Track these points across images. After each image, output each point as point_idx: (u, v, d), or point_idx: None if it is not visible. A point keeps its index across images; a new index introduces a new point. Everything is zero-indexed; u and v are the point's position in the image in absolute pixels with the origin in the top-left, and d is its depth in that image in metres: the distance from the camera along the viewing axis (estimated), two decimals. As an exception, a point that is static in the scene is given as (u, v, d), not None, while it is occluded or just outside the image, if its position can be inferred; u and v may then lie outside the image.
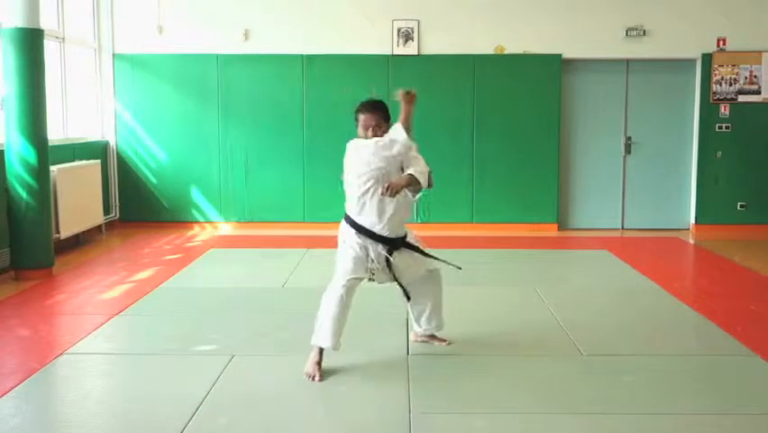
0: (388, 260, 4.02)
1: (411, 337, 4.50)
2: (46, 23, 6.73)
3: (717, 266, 7.05)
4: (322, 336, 3.94)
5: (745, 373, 4.06)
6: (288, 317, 5.00)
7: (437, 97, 8.74)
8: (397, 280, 4.11)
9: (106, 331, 4.77)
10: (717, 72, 8.70)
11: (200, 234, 8.67)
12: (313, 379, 3.87)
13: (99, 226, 8.34)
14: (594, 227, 9.00)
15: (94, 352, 4.37)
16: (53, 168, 6.82)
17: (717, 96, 8.73)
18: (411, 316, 4.42)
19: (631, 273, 6.52)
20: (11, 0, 6.02)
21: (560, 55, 8.73)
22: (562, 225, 9.02)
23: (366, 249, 4.00)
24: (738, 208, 8.85)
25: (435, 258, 4.20)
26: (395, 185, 3.86)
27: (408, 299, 4.20)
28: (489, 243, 8.02)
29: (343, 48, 8.72)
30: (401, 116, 4.01)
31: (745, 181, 8.81)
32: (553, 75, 8.75)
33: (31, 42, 6.08)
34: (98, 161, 8.32)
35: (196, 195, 8.95)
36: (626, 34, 8.67)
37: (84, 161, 7.94)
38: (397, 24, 8.69)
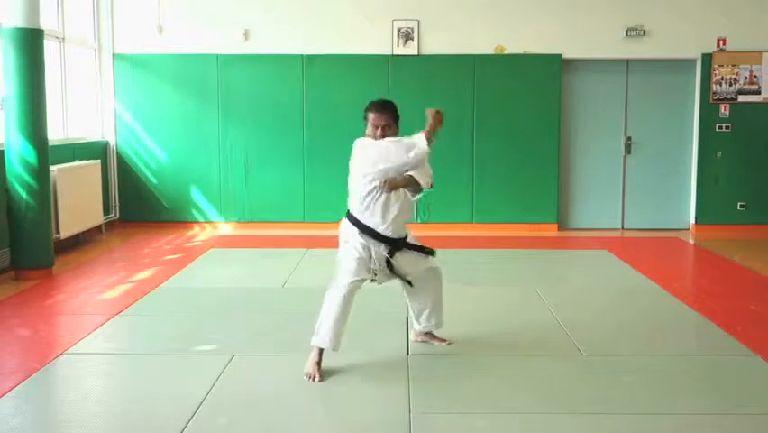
0: (388, 261, 4.02)
1: (411, 337, 4.51)
2: (46, 23, 6.73)
3: (717, 266, 7.05)
4: (322, 336, 3.94)
5: (745, 373, 4.06)
6: (288, 317, 5.00)
7: (437, 97, 8.71)
8: (397, 276, 4.10)
9: (106, 331, 4.77)
10: (717, 72, 8.70)
11: (200, 234, 8.67)
12: (313, 379, 3.87)
13: (99, 226, 8.34)
14: (594, 227, 9.00)
15: (94, 352, 4.37)
16: (53, 168, 6.82)
17: (717, 96, 8.73)
18: (411, 313, 4.42)
19: (631, 273, 6.52)
20: (11, 0, 6.02)
21: (560, 55, 8.73)
22: (562, 225, 9.02)
23: (369, 250, 4.00)
24: (738, 208, 8.85)
25: (422, 247, 4.18)
26: (392, 182, 3.90)
27: (411, 285, 4.18)
28: (489, 243, 8.02)
29: (343, 48, 8.72)
30: (426, 128, 3.96)
31: (745, 181, 8.81)
32: (553, 75, 8.75)
33: (31, 42, 6.07)
34: (98, 161, 8.32)
35: (196, 195, 8.95)
36: (626, 34, 8.67)
37: (84, 161, 7.94)
38: (397, 24, 8.69)
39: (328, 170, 8.59)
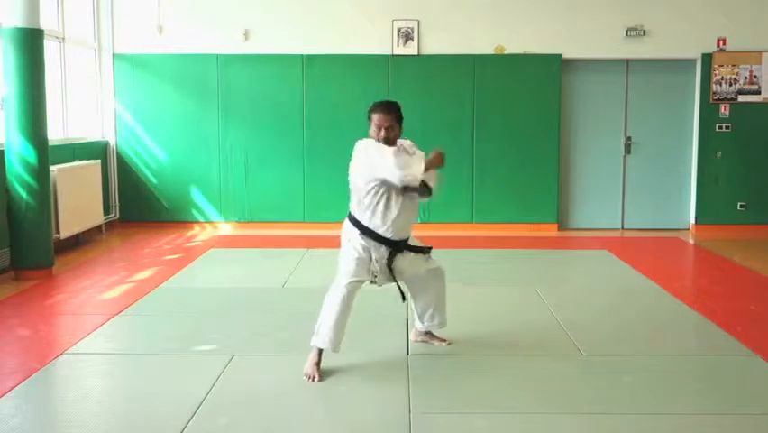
0: (389, 263, 4.03)
1: (411, 337, 4.51)
2: (46, 23, 6.73)
3: (717, 266, 7.05)
4: (322, 336, 3.94)
5: (745, 373, 4.06)
6: (288, 317, 5.00)
7: (437, 97, 8.74)
8: (395, 282, 4.11)
9: (106, 331, 4.77)
10: (717, 72, 8.70)
11: (200, 234, 8.67)
12: (312, 380, 3.87)
13: (99, 226, 8.34)
14: (594, 227, 9.00)
15: (94, 352, 4.37)
16: (53, 168, 6.82)
17: (717, 96, 8.73)
18: (414, 313, 4.41)
19: (631, 273, 6.52)
20: (11, 0, 6.02)
21: (560, 55, 8.73)
22: (562, 225, 9.02)
23: (369, 251, 4.01)
24: (738, 208, 8.85)
25: (421, 248, 4.18)
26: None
27: (404, 300, 4.18)
28: (489, 243, 8.02)
29: (343, 48, 8.72)
30: (428, 158, 3.97)
31: (745, 181, 8.81)
32: (553, 75, 8.75)
33: (31, 42, 6.07)
34: (98, 161, 8.32)
35: (196, 195, 8.95)
36: (626, 34, 8.67)
37: (84, 161, 7.94)
38: (397, 24, 8.69)
39: (328, 170, 8.59)
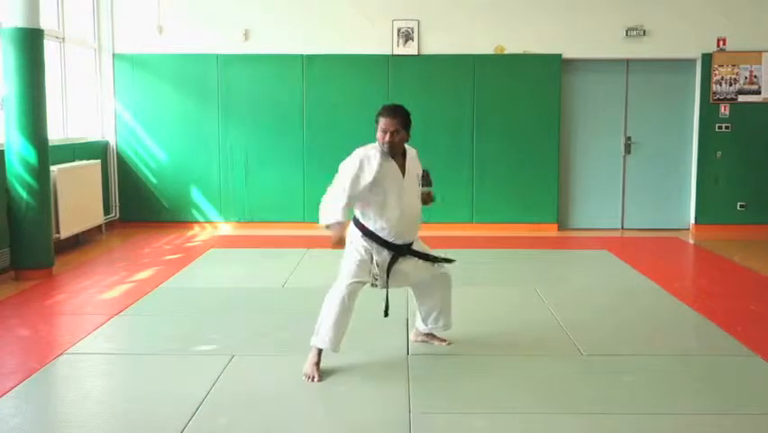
0: (389, 267, 4.03)
1: (411, 337, 4.51)
2: (46, 23, 6.73)
3: (717, 266, 7.05)
4: (321, 336, 3.95)
5: (745, 373, 4.06)
6: (288, 317, 5.00)
7: (437, 97, 8.74)
8: (387, 289, 4.08)
9: (106, 331, 4.77)
10: (717, 72, 8.70)
11: (200, 234, 8.67)
12: (312, 380, 3.87)
13: (99, 226, 8.34)
14: (594, 227, 9.00)
15: (94, 352, 4.37)
16: (53, 168, 6.82)
17: (717, 96, 8.73)
18: (418, 314, 4.41)
19: (631, 273, 6.52)
20: (11, 0, 6.02)
21: (560, 55, 8.73)
22: (562, 225, 9.02)
23: (371, 253, 4.01)
24: (738, 208, 8.85)
25: (435, 258, 4.19)
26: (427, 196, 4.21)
27: (386, 315, 4.13)
28: (489, 243, 8.02)
29: (343, 48, 8.72)
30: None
31: (745, 181, 8.81)
32: (553, 75, 8.75)
33: (31, 42, 6.07)
34: (98, 161, 8.32)
35: (196, 195, 8.95)
36: (626, 34, 8.67)
37: (84, 161, 7.94)
38: (397, 24, 8.69)
39: (328, 170, 8.45)
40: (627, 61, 8.87)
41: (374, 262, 4.01)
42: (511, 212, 8.89)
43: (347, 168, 3.97)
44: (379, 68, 8.73)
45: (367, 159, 3.97)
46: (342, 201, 3.90)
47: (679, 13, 8.67)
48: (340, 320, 3.92)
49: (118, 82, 8.83)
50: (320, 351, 3.96)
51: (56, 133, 7.72)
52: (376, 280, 4.04)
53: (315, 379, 3.87)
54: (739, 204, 8.84)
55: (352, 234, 4.09)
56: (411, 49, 8.71)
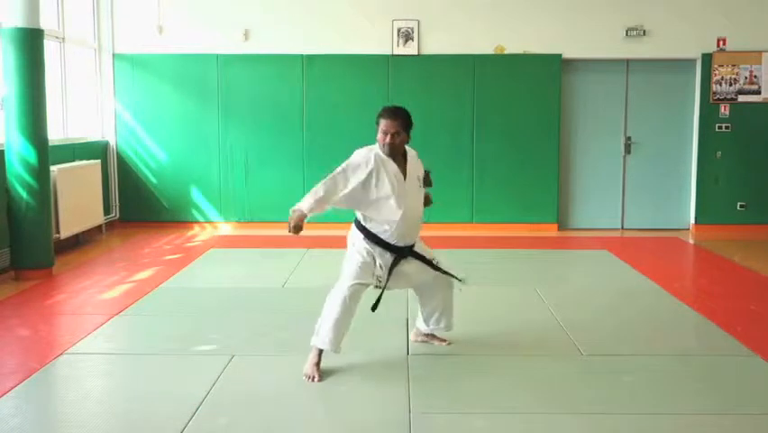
0: (391, 269, 4.03)
1: (411, 337, 4.51)
2: (46, 23, 6.73)
3: (717, 266, 7.05)
4: (322, 337, 3.94)
5: (745, 373, 4.06)
6: (288, 317, 5.00)
7: (437, 97, 8.74)
8: (382, 289, 4.08)
9: (106, 331, 4.77)
10: (717, 72, 8.70)
11: (200, 234, 8.67)
12: (312, 380, 3.87)
13: (99, 226, 8.34)
14: (594, 227, 9.00)
15: (94, 352, 4.37)
16: (53, 168, 6.82)
17: (717, 96, 8.73)
18: (420, 315, 4.41)
19: (631, 273, 6.52)
20: (11, 0, 6.02)
21: (560, 55, 8.73)
22: (562, 225, 9.02)
23: (373, 255, 4.01)
24: (738, 208, 8.85)
25: (442, 270, 4.19)
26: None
27: (373, 310, 4.11)
28: (489, 243, 8.02)
29: (343, 48, 8.72)
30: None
31: (745, 181, 8.81)
32: (553, 75, 8.75)
33: (31, 42, 6.07)
34: (98, 161, 8.32)
35: (196, 195, 8.95)
36: (626, 34, 8.67)
37: (84, 161, 7.94)
38: (397, 24, 8.69)
39: (328, 169, 8.48)
40: (627, 61, 8.87)
41: (377, 264, 4.01)
42: (511, 212, 8.89)
43: (339, 167, 4.01)
44: (379, 68, 8.73)
45: (359, 163, 3.97)
46: (318, 194, 3.91)
47: (679, 13, 8.67)
48: (341, 321, 3.92)
49: (118, 82, 8.83)
50: (320, 351, 3.96)
51: (56, 133, 7.72)
52: (380, 281, 4.03)
53: (315, 379, 3.87)
54: (739, 204, 8.85)
55: (354, 236, 4.09)
56: (411, 49, 8.71)
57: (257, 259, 7.14)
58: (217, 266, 6.82)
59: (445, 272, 4.20)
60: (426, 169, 4.25)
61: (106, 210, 8.58)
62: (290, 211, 3.92)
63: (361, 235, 4.04)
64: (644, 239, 8.45)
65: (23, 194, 6.12)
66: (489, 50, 8.76)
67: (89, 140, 8.52)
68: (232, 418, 3.43)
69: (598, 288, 6.08)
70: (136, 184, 8.91)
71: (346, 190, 3.94)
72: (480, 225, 8.87)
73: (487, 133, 8.80)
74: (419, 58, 8.73)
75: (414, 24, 8.68)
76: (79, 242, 7.82)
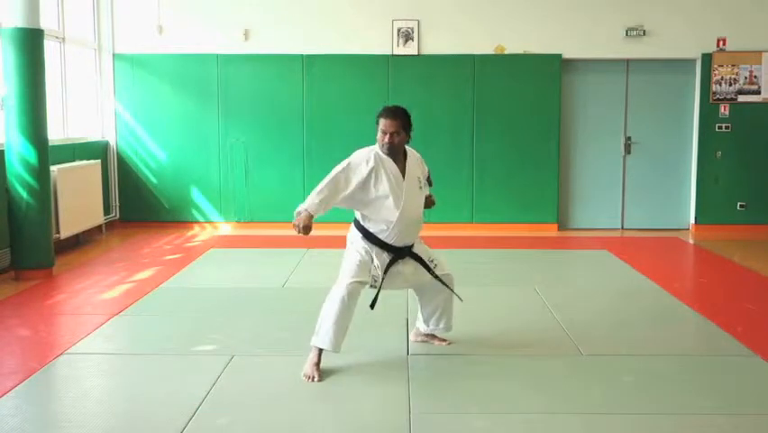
0: (386, 269, 4.03)
1: (411, 337, 4.51)
2: (46, 22, 6.73)
3: (717, 266, 7.05)
4: (321, 336, 3.94)
5: (745, 373, 4.05)
6: (288, 317, 5.00)
7: (437, 97, 8.74)
8: (378, 288, 4.07)
9: (106, 331, 4.77)
10: (716, 72, 8.70)
11: (200, 234, 8.67)
12: (312, 380, 3.87)
13: (99, 226, 8.34)
14: (594, 227, 9.00)
15: (94, 352, 4.37)
16: (53, 168, 6.82)
17: (717, 96, 8.73)
18: (419, 315, 4.41)
19: (631, 273, 6.52)
20: (11, 0, 6.02)
21: (560, 55, 8.73)
22: (562, 225, 9.02)
23: (371, 254, 4.01)
24: (738, 208, 8.85)
25: (438, 277, 4.19)
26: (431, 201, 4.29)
27: (372, 308, 4.10)
28: (489, 243, 8.02)
29: (343, 48, 8.72)
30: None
31: (745, 181, 8.81)
32: (553, 75, 8.75)
33: (31, 42, 6.07)
34: (98, 161, 8.32)
35: (196, 195, 8.95)
36: (626, 34, 8.68)
37: (84, 161, 7.94)
38: (397, 24, 8.69)
39: (328, 169, 8.50)
40: (627, 61, 8.87)
41: (374, 263, 4.01)
42: (511, 212, 8.89)
43: (336, 167, 4.02)
44: (379, 68, 8.73)
45: (359, 162, 3.98)
46: (321, 196, 3.93)
47: (679, 13, 8.67)
48: (340, 320, 3.92)
49: (118, 82, 8.83)
50: (320, 351, 3.96)
51: (56, 133, 7.72)
52: (375, 281, 4.04)
53: (315, 379, 3.87)
54: (739, 204, 8.85)
55: (353, 235, 4.11)
56: (411, 49, 8.71)
57: (257, 259, 7.14)
58: (217, 266, 6.82)
59: (441, 281, 4.19)
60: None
61: (106, 210, 8.58)
62: (295, 214, 3.92)
63: (360, 235, 4.05)
64: (644, 239, 8.45)
65: (23, 194, 6.12)
66: (489, 50, 8.76)
67: (89, 140, 8.52)
68: (232, 418, 3.43)
69: (598, 288, 6.08)
70: (136, 184, 8.91)
71: (347, 191, 3.95)
72: (480, 225, 8.87)
73: (487, 133, 8.80)
74: (419, 58, 8.73)
75: (414, 24, 8.68)
76: (79, 242, 7.82)
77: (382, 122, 4.00)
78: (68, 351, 4.34)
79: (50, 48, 7.33)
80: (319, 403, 3.68)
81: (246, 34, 8.74)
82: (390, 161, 4.01)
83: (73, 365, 4.14)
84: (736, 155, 8.78)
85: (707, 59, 8.70)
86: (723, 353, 4.38)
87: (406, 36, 8.70)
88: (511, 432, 3.32)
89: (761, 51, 8.67)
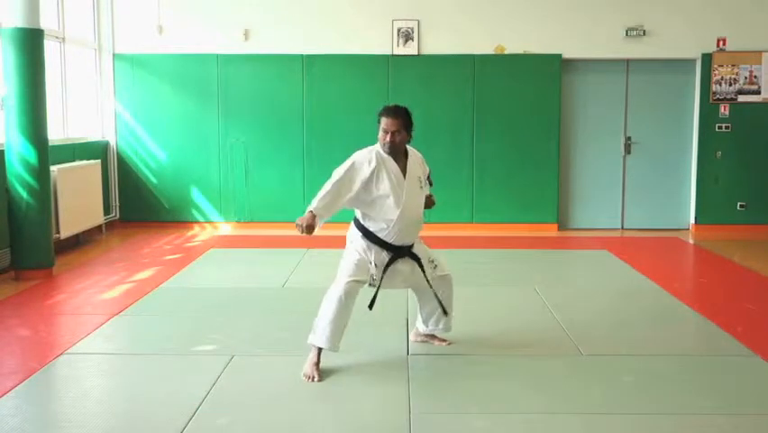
0: (385, 268, 4.03)
1: (411, 337, 4.51)
2: (46, 22, 6.73)
3: (717, 266, 7.05)
4: (319, 335, 3.94)
5: (745, 373, 4.05)
6: (288, 317, 5.00)
7: (437, 97, 8.74)
8: (377, 288, 4.07)
9: (106, 331, 4.77)
10: (716, 72, 8.70)
11: (200, 234, 8.67)
12: (311, 380, 3.87)
13: (99, 226, 8.34)
14: (594, 227, 9.00)
15: (94, 352, 4.37)
16: (53, 168, 6.82)
17: (717, 96, 8.73)
18: (419, 315, 4.41)
19: (631, 273, 6.52)
20: (11, 0, 6.02)
21: (560, 55, 8.73)
22: (562, 225, 9.02)
23: (370, 253, 4.01)
24: (738, 208, 8.85)
25: (432, 289, 4.19)
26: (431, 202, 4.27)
27: (370, 308, 4.11)
28: (489, 243, 8.02)
29: (343, 48, 8.72)
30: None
31: (745, 181, 8.81)
32: (553, 75, 8.75)
33: (31, 42, 6.07)
34: (98, 161, 8.32)
35: (196, 195, 8.95)
36: (626, 34, 8.68)
37: (84, 161, 7.94)
38: (397, 24, 8.69)
39: (328, 169, 8.49)
40: (627, 61, 8.87)
41: (372, 262, 4.02)
42: (511, 212, 8.89)
43: (338, 169, 4.03)
44: (379, 68, 8.73)
45: (362, 162, 3.98)
46: (325, 200, 3.95)
47: (679, 13, 8.67)
48: (337, 319, 3.92)
49: (118, 82, 8.83)
50: (320, 351, 3.96)
51: (56, 133, 7.72)
52: (374, 280, 4.04)
53: (315, 379, 3.87)
54: (739, 204, 8.85)
55: (352, 234, 4.11)
56: (411, 49, 8.71)
57: (257, 259, 7.14)
58: (217, 266, 6.82)
59: (432, 289, 4.19)
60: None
61: (106, 210, 8.58)
62: (298, 220, 3.92)
63: (360, 233, 4.05)
64: (644, 239, 8.45)
65: (23, 194, 6.12)
66: (489, 50, 8.76)
67: (89, 140, 8.52)
68: (232, 418, 3.43)
69: (598, 288, 6.08)
70: (136, 184, 8.91)
71: (352, 193, 3.96)
72: (480, 225, 8.87)
73: (487, 133, 8.80)
74: (419, 58, 8.73)
75: (414, 24, 8.68)
76: (79, 242, 7.82)
77: (384, 121, 4.01)
78: (68, 351, 4.34)
79: (50, 48, 7.33)
80: (319, 403, 3.68)
81: (246, 34, 8.74)
82: (391, 160, 4.01)
83: (73, 365, 4.14)
84: (736, 155, 8.78)
85: (707, 59, 8.70)
86: (723, 353, 4.38)
87: (406, 36, 8.70)
88: (511, 432, 3.32)
89: (761, 51, 8.67)
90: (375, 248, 4.02)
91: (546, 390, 3.77)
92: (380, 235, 4.01)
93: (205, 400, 3.62)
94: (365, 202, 4.02)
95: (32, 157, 6.11)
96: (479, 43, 8.74)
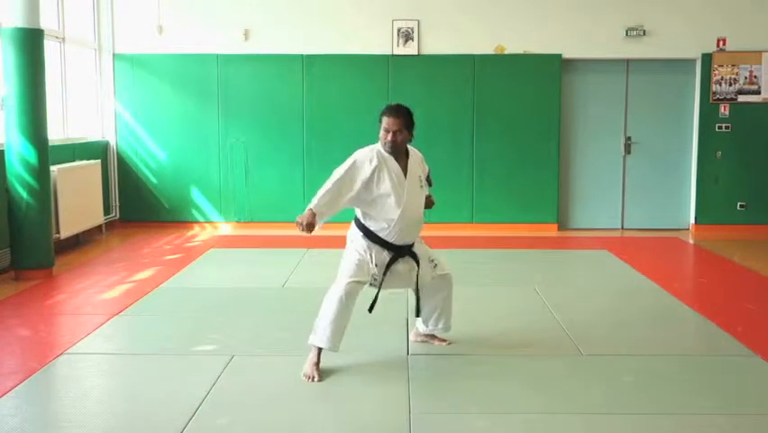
0: (386, 268, 4.03)
1: (411, 337, 4.51)
2: (46, 22, 6.73)
3: (717, 266, 7.05)
4: (319, 335, 3.94)
5: (745, 373, 4.05)
6: (288, 317, 5.00)
7: (437, 97, 8.74)
8: (378, 288, 4.08)
9: (106, 331, 4.77)
10: (716, 72, 8.70)
11: (200, 234, 8.67)
12: (311, 380, 3.87)
13: (99, 226, 8.34)
14: (594, 227, 9.00)
15: (94, 352, 4.37)
16: (53, 168, 6.82)
17: (717, 96, 8.73)
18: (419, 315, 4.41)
19: (631, 273, 6.52)
20: (11, 0, 6.02)
21: (560, 55, 8.73)
22: (562, 225, 9.02)
23: (370, 253, 4.01)
24: (738, 208, 8.85)
25: (417, 293, 4.20)
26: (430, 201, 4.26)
27: (370, 311, 4.12)
28: (489, 243, 8.02)
29: (343, 48, 8.72)
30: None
31: (745, 181, 8.81)
32: (553, 75, 8.75)
33: (31, 42, 6.07)
34: (98, 161, 8.32)
35: (196, 195, 8.95)
36: (626, 34, 8.68)
37: (84, 161, 7.94)
38: (397, 24, 8.69)
39: (328, 169, 8.50)
40: (627, 61, 8.87)
41: (373, 262, 4.02)
42: (511, 212, 8.89)
43: (339, 168, 4.03)
44: (379, 68, 8.73)
45: (363, 161, 3.99)
46: (325, 199, 3.95)
47: (679, 13, 8.67)
48: (338, 319, 3.92)
49: (118, 82, 8.83)
50: (320, 351, 3.96)
51: (56, 133, 7.72)
52: (375, 280, 4.04)
53: (315, 379, 3.87)
54: (739, 204, 8.85)
55: (353, 233, 4.11)
56: (411, 49, 8.71)
57: (257, 259, 7.14)
58: (217, 266, 6.82)
59: (417, 294, 4.19)
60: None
61: (106, 210, 8.58)
62: (298, 217, 3.92)
63: (360, 233, 4.05)
64: (644, 239, 8.45)
65: (23, 194, 6.12)
66: (489, 50, 8.76)
67: (89, 140, 8.52)
68: (232, 418, 3.43)
69: (598, 288, 6.08)
70: (136, 184, 8.91)
71: (353, 192, 3.96)
72: (480, 225, 8.87)
73: (487, 133, 8.80)
74: (419, 58, 8.73)
75: (414, 24, 8.68)
76: (79, 242, 7.83)
77: (385, 120, 4.01)
78: (68, 351, 4.34)
79: (50, 48, 7.33)
80: (319, 403, 3.68)
81: (246, 34, 8.74)
82: (392, 159, 4.02)
83: (73, 365, 4.14)
84: (736, 155, 8.78)
85: (707, 59, 8.70)
86: (723, 353, 4.38)
87: (406, 36, 8.70)
88: (511, 432, 3.32)
89: (761, 51, 8.67)
90: (376, 248, 4.03)
91: (546, 390, 3.78)
92: (381, 235, 4.01)
93: (205, 400, 3.62)
94: (366, 201, 4.02)
95: (32, 157, 6.11)
96: (479, 43, 8.74)
